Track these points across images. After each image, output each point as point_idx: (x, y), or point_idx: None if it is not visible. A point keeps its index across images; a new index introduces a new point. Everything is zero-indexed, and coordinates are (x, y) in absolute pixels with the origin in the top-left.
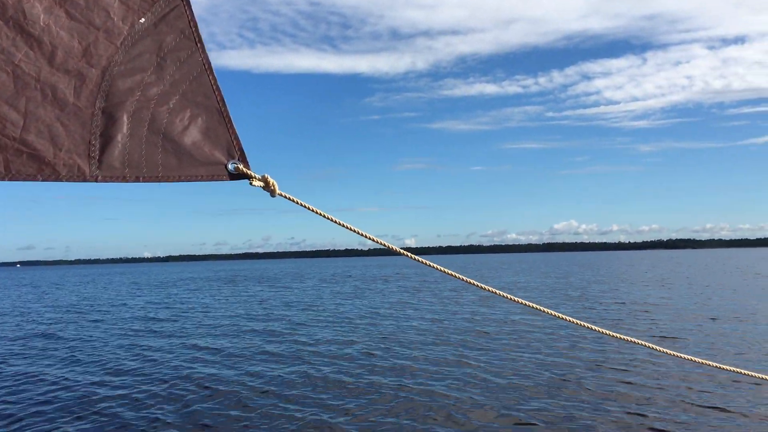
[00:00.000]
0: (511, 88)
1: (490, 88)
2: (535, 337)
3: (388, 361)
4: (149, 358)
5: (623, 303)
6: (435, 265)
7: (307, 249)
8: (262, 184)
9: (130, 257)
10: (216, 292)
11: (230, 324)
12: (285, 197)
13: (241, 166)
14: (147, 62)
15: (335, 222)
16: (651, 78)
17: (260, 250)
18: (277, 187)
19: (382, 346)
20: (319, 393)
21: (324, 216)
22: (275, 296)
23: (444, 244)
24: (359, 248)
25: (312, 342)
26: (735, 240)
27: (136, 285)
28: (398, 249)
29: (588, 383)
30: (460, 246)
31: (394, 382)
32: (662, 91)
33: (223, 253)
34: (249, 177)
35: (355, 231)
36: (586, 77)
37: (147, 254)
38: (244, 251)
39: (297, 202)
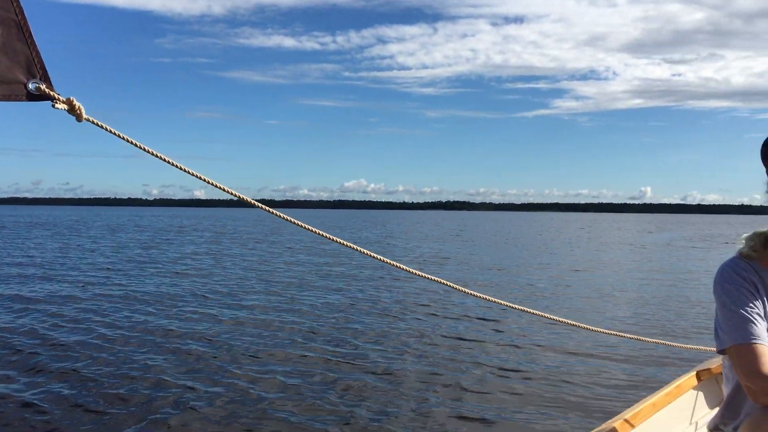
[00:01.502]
0: (309, 43)
1: (288, 42)
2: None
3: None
4: None
5: (420, 255)
6: (289, 218)
7: (85, 196)
8: (66, 107)
9: None
10: None
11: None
12: (93, 122)
13: (43, 87)
14: None
15: (159, 157)
16: (440, 48)
17: (29, 195)
18: (83, 111)
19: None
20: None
21: (142, 148)
22: (60, 246)
23: (235, 198)
24: (144, 198)
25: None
26: (503, 204)
27: None
28: (251, 200)
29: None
30: (252, 200)
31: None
32: (449, 61)
33: None
34: (52, 99)
35: (184, 170)
36: (382, 41)
37: None
38: (9, 195)
39: (107, 129)
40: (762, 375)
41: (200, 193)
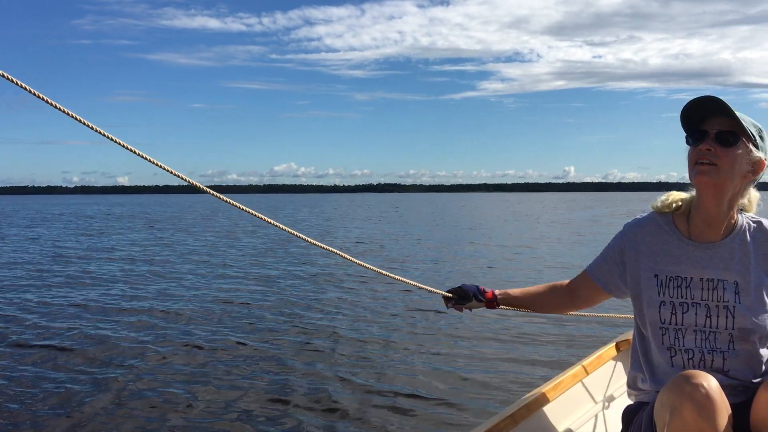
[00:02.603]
0: (234, 25)
1: (213, 23)
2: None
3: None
4: None
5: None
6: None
7: (0, 185)
8: None
9: None
10: None
11: None
12: None
13: None
14: None
15: (81, 122)
16: (368, 30)
17: None
18: None
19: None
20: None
21: (56, 106)
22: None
23: (161, 184)
24: (64, 185)
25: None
26: (434, 185)
27: None
28: (202, 186)
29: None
30: (178, 186)
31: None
32: (377, 44)
33: None
34: None
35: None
36: (309, 22)
37: None
38: None
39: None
40: (566, 286)
41: (123, 180)
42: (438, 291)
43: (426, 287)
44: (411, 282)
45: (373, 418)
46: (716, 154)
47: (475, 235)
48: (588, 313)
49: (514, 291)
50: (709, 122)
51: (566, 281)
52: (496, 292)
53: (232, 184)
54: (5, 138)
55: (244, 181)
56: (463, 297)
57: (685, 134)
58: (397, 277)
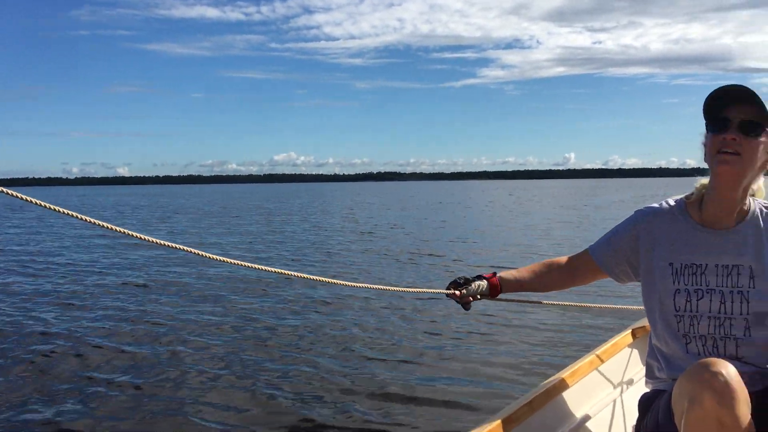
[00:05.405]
0: (233, 14)
1: (211, 12)
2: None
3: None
4: None
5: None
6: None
7: (1, 177)
8: None
9: None
10: None
11: None
12: None
13: None
14: None
15: None
16: (367, 17)
17: None
18: None
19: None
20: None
21: None
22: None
23: (161, 174)
24: (64, 177)
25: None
26: (434, 174)
27: None
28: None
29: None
30: (179, 176)
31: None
32: (377, 31)
33: None
34: None
35: None
36: (308, 10)
37: None
38: None
39: None
40: (565, 264)
41: (123, 171)
42: (441, 291)
43: (428, 290)
44: (407, 289)
45: (388, 409)
46: (740, 144)
47: (499, 224)
48: (601, 305)
49: (512, 272)
50: (730, 110)
51: (564, 258)
52: (499, 274)
53: (232, 174)
54: (2, 130)
55: (245, 170)
56: (466, 285)
57: (706, 121)
58: (390, 288)
